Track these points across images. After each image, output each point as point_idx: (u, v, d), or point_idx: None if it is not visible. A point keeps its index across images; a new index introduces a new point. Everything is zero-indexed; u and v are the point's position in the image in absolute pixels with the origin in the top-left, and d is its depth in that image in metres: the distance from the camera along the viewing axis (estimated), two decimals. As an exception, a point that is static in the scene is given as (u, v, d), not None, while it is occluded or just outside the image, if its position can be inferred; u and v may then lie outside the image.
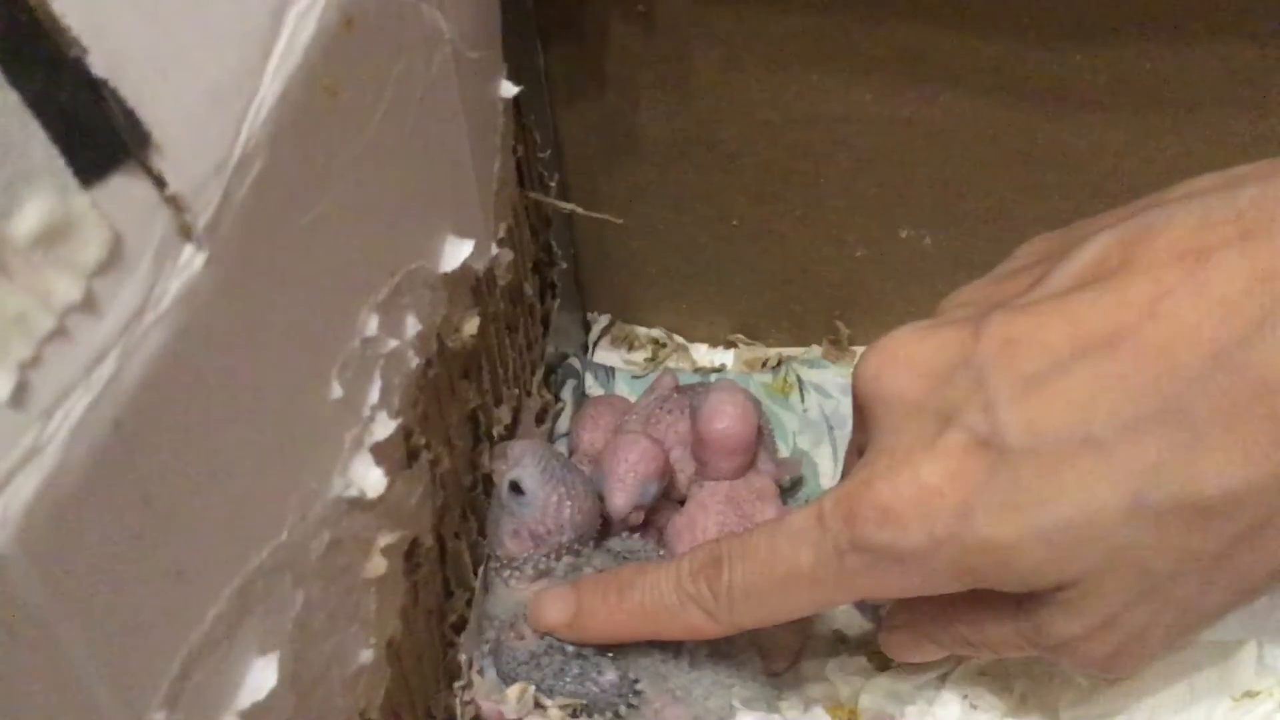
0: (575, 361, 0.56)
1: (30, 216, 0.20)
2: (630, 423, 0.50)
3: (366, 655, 0.34)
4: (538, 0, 0.47)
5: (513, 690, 0.41)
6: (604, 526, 0.45)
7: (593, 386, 0.56)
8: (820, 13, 0.45)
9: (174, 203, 0.23)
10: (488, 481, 0.45)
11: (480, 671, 0.43)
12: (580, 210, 0.51)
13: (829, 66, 0.47)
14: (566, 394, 0.54)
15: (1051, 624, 0.34)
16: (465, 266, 0.39)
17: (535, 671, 0.41)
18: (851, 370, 0.37)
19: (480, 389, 0.44)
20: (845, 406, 0.53)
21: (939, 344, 0.34)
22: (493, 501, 0.45)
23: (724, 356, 0.59)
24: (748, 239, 0.54)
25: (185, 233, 0.24)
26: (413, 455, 0.37)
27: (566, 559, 0.43)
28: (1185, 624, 0.33)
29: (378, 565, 0.34)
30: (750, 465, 0.48)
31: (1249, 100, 0.44)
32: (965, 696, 0.43)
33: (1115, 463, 0.30)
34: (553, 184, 0.51)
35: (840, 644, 0.46)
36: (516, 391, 0.48)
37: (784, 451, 0.53)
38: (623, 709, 0.41)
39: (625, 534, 0.46)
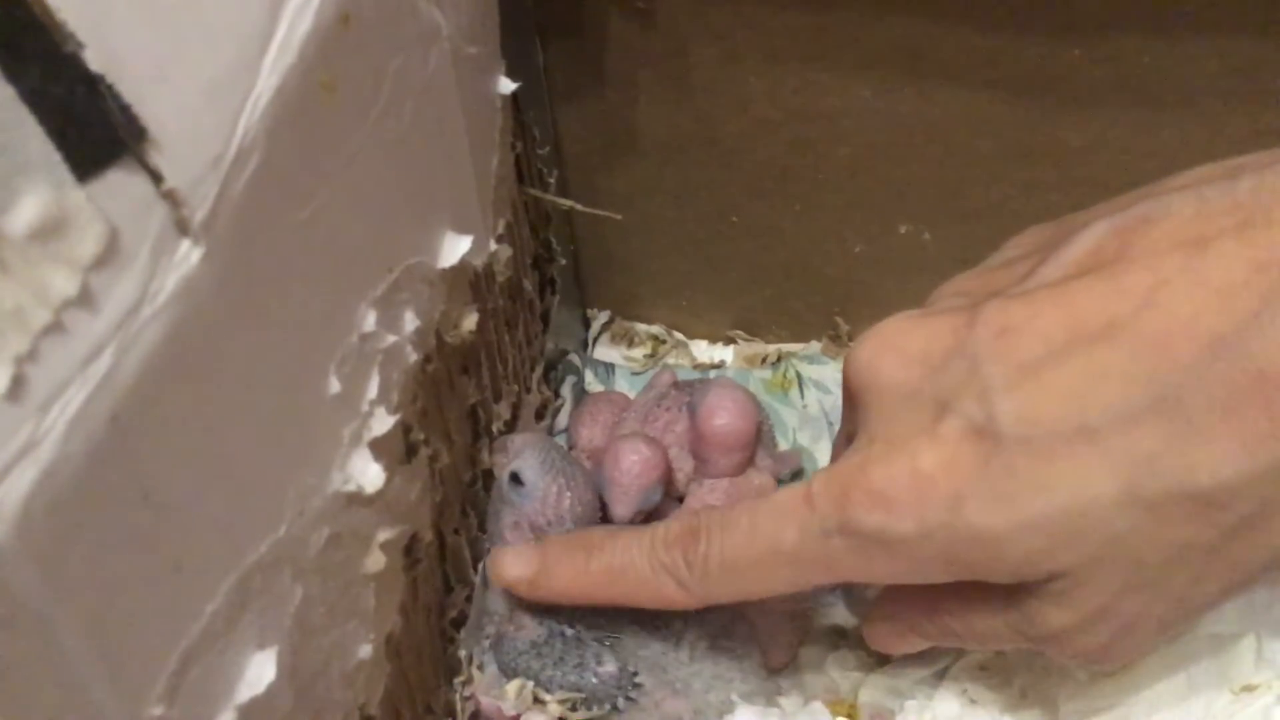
0: (575, 358, 0.56)
1: (26, 211, 0.20)
2: (628, 420, 0.50)
3: (366, 650, 0.34)
4: (537, -3, 0.47)
5: (511, 685, 0.41)
6: (603, 519, 0.46)
7: (592, 383, 0.57)
8: (819, 9, 0.45)
9: (170, 198, 0.23)
10: (487, 477, 0.45)
11: (480, 667, 0.43)
12: (579, 206, 0.51)
13: (828, 62, 0.47)
14: (566, 390, 0.54)
15: (1042, 615, 0.34)
16: (464, 262, 0.39)
17: (535, 661, 0.41)
18: (844, 362, 0.37)
19: (479, 385, 0.44)
20: (845, 402, 0.53)
21: (933, 332, 0.34)
22: (493, 495, 0.45)
23: (723, 353, 0.59)
24: (747, 235, 0.54)
25: (182, 228, 0.24)
26: (411, 450, 0.37)
27: None
28: (1178, 615, 0.33)
29: (377, 560, 0.34)
30: (749, 462, 0.48)
31: (1247, 94, 0.44)
32: (965, 691, 0.43)
33: (1110, 452, 0.30)
34: (552, 180, 0.51)
35: (840, 639, 0.46)
36: (516, 387, 0.49)
37: (783, 447, 0.53)
38: (621, 701, 0.41)
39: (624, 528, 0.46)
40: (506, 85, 0.43)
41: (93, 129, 0.22)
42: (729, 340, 0.59)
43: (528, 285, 0.50)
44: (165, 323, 0.23)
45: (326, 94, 0.29)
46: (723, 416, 0.46)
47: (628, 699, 0.41)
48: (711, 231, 0.54)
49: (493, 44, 0.42)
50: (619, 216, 0.52)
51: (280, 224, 0.28)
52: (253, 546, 0.28)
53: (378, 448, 0.34)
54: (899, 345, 0.34)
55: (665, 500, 0.48)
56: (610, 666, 0.41)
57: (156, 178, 0.23)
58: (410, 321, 0.36)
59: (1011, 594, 0.34)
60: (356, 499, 0.33)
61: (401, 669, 0.37)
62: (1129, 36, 0.43)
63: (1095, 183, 0.47)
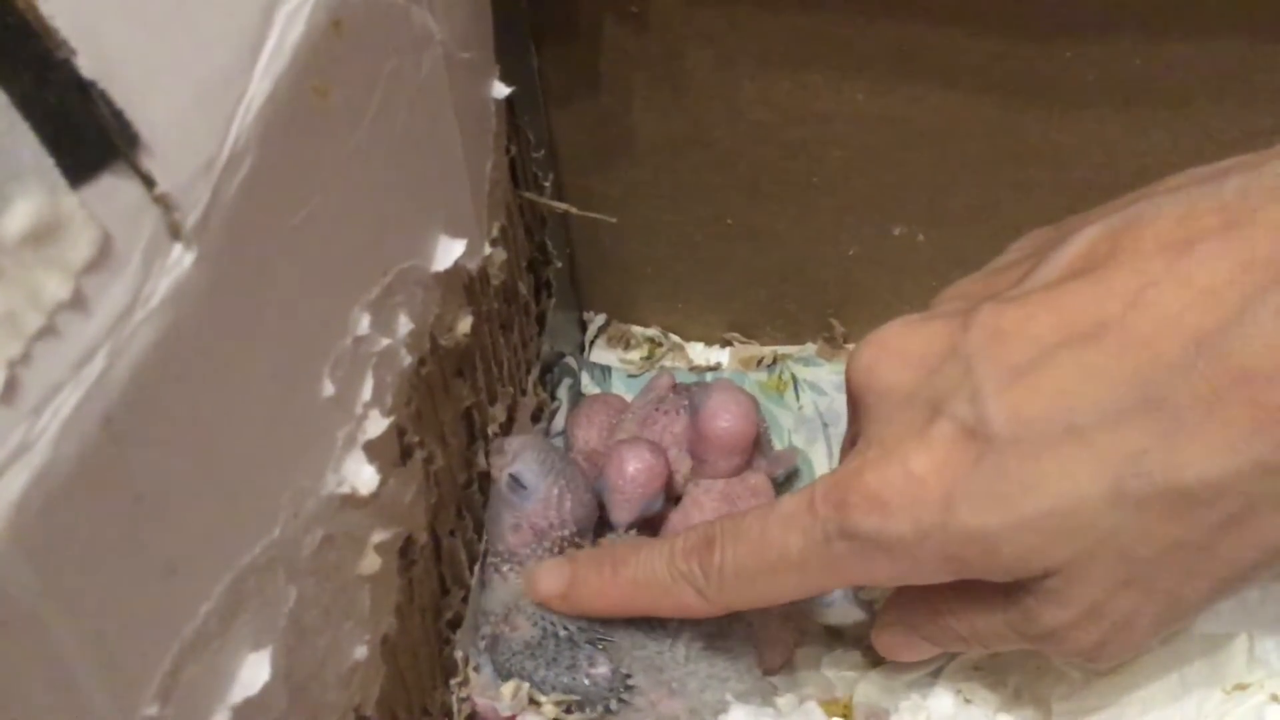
0: (571, 360, 0.56)
1: (19, 216, 0.21)
2: (626, 423, 0.50)
3: (361, 652, 0.34)
4: (530, 1, 0.47)
5: (507, 687, 0.42)
6: (601, 520, 0.46)
7: (589, 385, 0.57)
8: (811, 12, 0.46)
9: (163, 202, 0.23)
10: (483, 479, 0.45)
11: (476, 668, 0.43)
12: (574, 210, 0.51)
13: (821, 65, 0.47)
14: (562, 393, 0.55)
15: (1038, 613, 0.34)
16: (458, 266, 0.39)
17: (529, 662, 0.42)
18: (845, 367, 0.38)
19: (474, 387, 0.44)
20: (840, 404, 0.53)
21: (930, 335, 0.34)
22: (491, 497, 0.45)
23: (719, 355, 0.59)
24: (742, 238, 0.54)
25: (174, 232, 0.24)
26: (406, 453, 0.37)
27: (568, 552, 0.44)
28: (1171, 614, 0.33)
29: (372, 562, 0.35)
30: (747, 464, 0.49)
31: (1238, 96, 0.44)
32: (959, 691, 0.43)
33: (1097, 451, 0.31)
34: (547, 184, 0.51)
35: (835, 639, 0.46)
36: (511, 390, 0.49)
37: (778, 448, 0.53)
38: (614, 703, 0.41)
39: (623, 529, 0.46)
40: (501, 90, 0.43)
41: (85, 134, 0.22)
42: (725, 343, 0.59)
43: (523, 288, 0.50)
44: (158, 326, 0.23)
45: (319, 99, 0.29)
46: (726, 419, 0.46)
47: (620, 701, 0.41)
48: (706, 234, 0.55)
49: (487, 49, 0.42)
50: (614, 219, 0.52)
51: (273, 228, 0.28)
52: (247, 548, 0.28)
53: (372, 450, 0.34)
54: (897, 349, 0.35)
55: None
56: (603, 668, 0.41)
57: (149, 182, 0.23)
58: (404, 324, 0.36)
59: (1010, 593, 0.35)
60: (351, 501, 0.33)
61: (397, 670, 0.37)
62: (1121, 39, 0.44)
63: (1088, 184, 0.48)
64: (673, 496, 0.49)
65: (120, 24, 0.23)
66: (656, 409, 0.50)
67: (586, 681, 0.41)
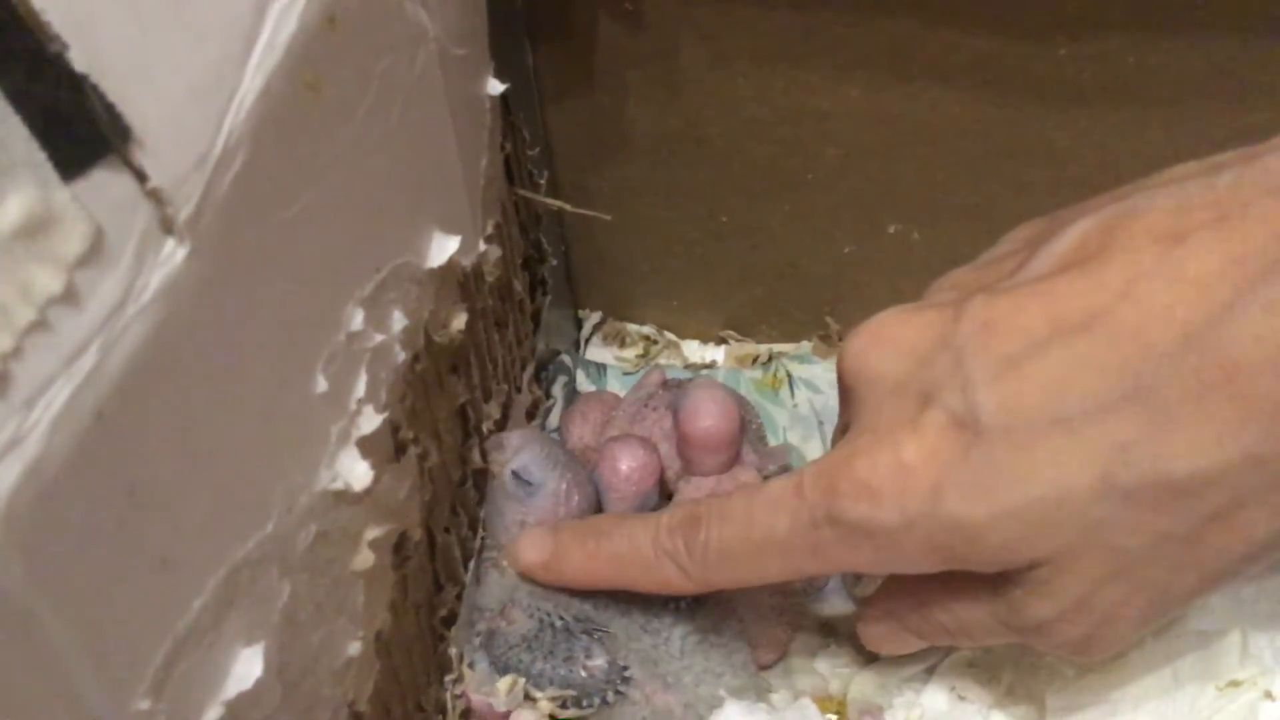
0: (566, 358, 0.56)
1: (12, 209, 0.21)
2: (616, 420, 0.50)
3: (355, 648, 0.34)
4: (526, -2, 0.48)
5: (503, 682, 0.42)
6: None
7: (584, 383, 0.57)
8: (806, 9, 0.46)
9: (155, 197, 0.23)
10: (478, 476, 0.45)
11: (471, 665, 0.43)
12: (568, 207, 0.51)
13: (816, 63, 0.47)
14: (557, 390, 0.55)
15: (1025, 605, 0.34)
16: (452, 262, 0.39)
17: (526, 654, 0.42)
18: (838, 355, 0.38)
19: (469, 384, 0.44)
20: (834, 401, 0.53)
21: (922, 325, 0.34)
22: (490, 492, 0.45)
23: (714, 353, 0.59)
24: (737, 235, 0.54)
25: (166, 226, 0.24)
26: (400, 449, 0.37)
27: None
28: (1158, 607, 0.33)
29: (365, 558, 0.35)
30: (736, 460, 0.49)
31: (1232, 94, 0.44)
32: (953, 688, 0.43)
33: (1086, 441, 0.31)
34: (542, 181, 0.51)
35: (829, 636, 0.46)
36: (506, 387, 0.49)
37: (772, 444, 0.53)
38: (610, 695, 0.41)
39: None
40: (495, 86, 0.43)
41: (77, 128, 0.22)
42: (720, 340, 0.59)
43: (518, 285, 0.50)
44: (150, 321, 0.23)
45: (312, 94, 0.29)
46: (704, 419, 0.46)
47: (617, 693, 0.42)
48: (702, 232, 0.55)
49: (481, 45, 0.42)
50: (609, 217, 0.52)
51: (266, 223, 0.28)
52: (240, 543, 0.28)
53: (365, 446, 0.34)
54: (889, 338, 0.35)
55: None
56: (600, 660, 0.41)
57: (141, 177, 0.23)
58: (398, 321, 0.36)
59: (997, 585, 0.35)
60: (344, 497, 0.33)
61: (391, 666, 0.37)
62: (1115, 36, 0.44)
63: (1082, 182, 0.48)
64: (665, 495, 0.49)
65: (113, 18, 0.23)
66: (646, 405, 0.50)
67: (584, 674, 0.41)
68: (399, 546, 0.37)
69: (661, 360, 0.59)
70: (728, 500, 0.38)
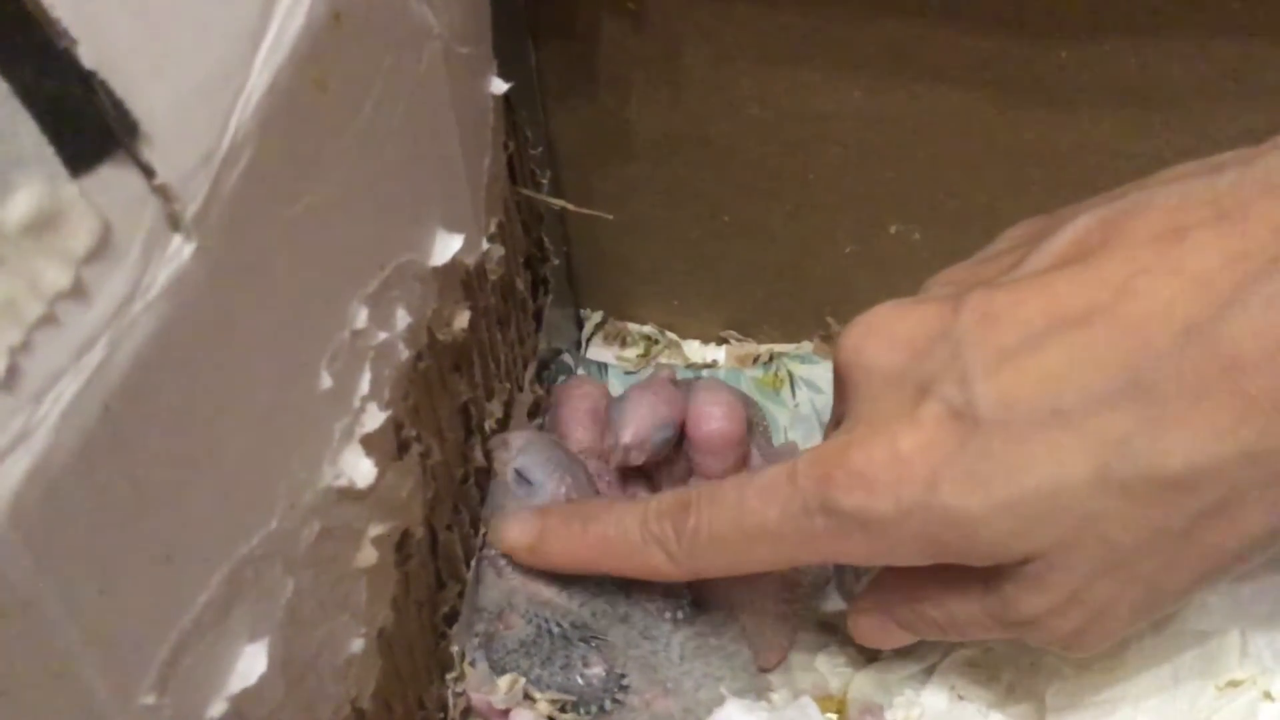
0: (568, 357, 0.56)
1: (20, 205, 0.21)
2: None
3: (357, 644, 0.34)
4: (529, -3, 0.48)
5: (503, 681, 0.42)
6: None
7: (585, 382, 0.57)
8: (809, 9, 0.46)
9: (163, 193, 0.23)
10: (480, 474, 0.45)
11: (472, 663, 0.43)
12: (571, 207, 0.51)
13: (818, 63, 0.47)
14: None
15: (1017, 599, 0.34)
16: (455, 261, 0.39)
17: (524, 659, 0.42)
18: (835, 347, 0.38)
19: (472, 382, 0.44)
20: (835, 400, 0.53)
21: (920, 318, 0.34)
22: (491, 491, 0.45)
23: (716, 353, 0.59)
24: (739, 235, 0.54)
25: (174, 222, 0.24)
26: (403, 447, 0.37)
27: None
28: (1150, 603, 0.33)
29: (368, 555, 0.35)
30: (744, 462, 0.49)
31: (1234, 95, 0.44)
32: (953, 687, 0.43)
33: (1083, 435, 0.31)
34: (544, 180, 0.51)
35: (830, 634, 0.47)
36: (508, 386, 0.49)
37: (777, 445, 0.54)
38: (608, 704, 0.41)
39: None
40: (499, 85, 0.43)
41: (86, 124, 0.22)
42: (721, 340, 0.59)
43: (520, 284, 0.50)
44: (157, 316, 0.23)
45: (318, 92, 0.29)
46: (711, 422, 0.46)
47: (615, 701, 0.42)
48: (703, 232, 0.55)
49: (485, 44, 0.42)
50: (611, 217, 0.52)
51: (271, 220, 0.28)
52: (244, 539, 0.28)
53: (369, 443, 0.34)
54: (886, 330, 0.35)
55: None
56: (597, 669, 0.41)
57: (149, 173, 0.23)
58: (402, 319, 0.36)
59: (988, 579, 0.35)
60: (348, 494, 0.33)
61: (393, 663, 0.37)
62: (1117, 38, 0.44)
63: (1083, 183, 0.48)
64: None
65: (121, 14, 0.23)
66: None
67: (581, 681, 0.41)
68: (401, 544, 0.37)
69: (662, 360, 0.59)
70: (719, 487, 0.38)
